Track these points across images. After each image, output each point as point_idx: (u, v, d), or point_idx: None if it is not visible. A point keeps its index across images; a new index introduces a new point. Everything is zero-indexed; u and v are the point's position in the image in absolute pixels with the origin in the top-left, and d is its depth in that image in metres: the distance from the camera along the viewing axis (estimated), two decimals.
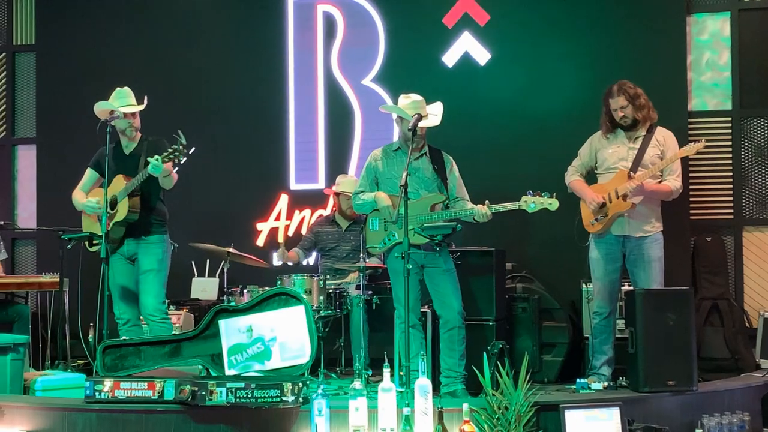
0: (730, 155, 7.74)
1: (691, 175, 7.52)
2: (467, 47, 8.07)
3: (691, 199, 7.62)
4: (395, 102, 6.21)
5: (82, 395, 5.07)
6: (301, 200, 8.36)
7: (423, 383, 4.72)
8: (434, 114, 5.97)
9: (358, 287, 6.80)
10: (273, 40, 8.49)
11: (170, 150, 5.80)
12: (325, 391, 4.82)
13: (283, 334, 5.24)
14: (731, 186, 7.73)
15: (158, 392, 4.94)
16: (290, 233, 8.29)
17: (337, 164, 8.25)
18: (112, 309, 5.84)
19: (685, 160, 6.56)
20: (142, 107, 6.23)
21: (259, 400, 4.75)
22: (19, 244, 9.10)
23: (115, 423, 4.94)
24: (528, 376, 4.78)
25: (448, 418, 4.71)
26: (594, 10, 7.88)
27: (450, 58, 8.11)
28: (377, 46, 8.29)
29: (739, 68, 7.76)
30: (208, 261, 8.12)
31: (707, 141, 6.16)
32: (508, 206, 5.74)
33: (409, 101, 5.93)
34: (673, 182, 6.04)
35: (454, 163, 6.13)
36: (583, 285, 6.83)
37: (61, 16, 8.93)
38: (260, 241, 8.33)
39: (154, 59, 8.59)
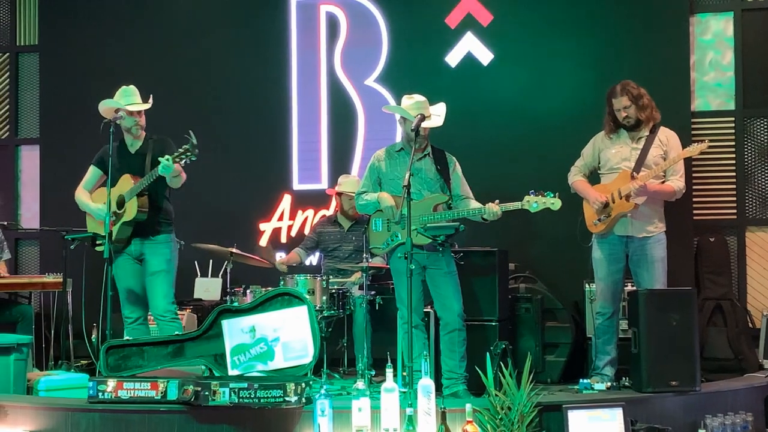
0: (734, 155, 7.74)
1: (694, 175, 7.52)
2: (470, 47, 8.08)
3: (694, 199, 7.61)
4: (398, 102, 6.21)
5: (86, 395, 5.07)
6: (304, 200, 8.36)
7: (426, 383, 4.72)
8: (437, 114, 5.97)
9: (361, 287, 6.80)
10: (276, 41, 8.49)
11: (181, 150, 5.79)
12: (328, 391, 4.82)
13: (286, 335, 5.24)
14: (734, 186, 7.73)
15: (161, 392, 4.94)
16: (293, 233, 8.29)
17: (340, 164, 8.25)
18: (115, 309, 5.82)
19: (688, 161, 6.55)
20: (148, 106, 6.21)
21: (262, 401, 4.75)
22: (23, 244, 9.10)
23: (118, 423, 4.94)
24: (531, 376, 4.78)
25: (451, 419, 4.71)
26: (597, 10, 7.88)
27: (453, 58, 8.11)
28: (380, 47, 8.29)
29: (743, 68, 7.76)
30: (211, 261, 8.13)
31: (710, 141, 6.14)
32: (511, 206, 5.74)
33: (412, 102, 5.93)
34: (676, 182, 6.03)
35: (457, 163, 6.12)
36: (586, 285, 6.82)
37: (64, 17, 8.93)
38: (263, 242, 8.33)
39: (156, 59, 8.59)
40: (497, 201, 5.77)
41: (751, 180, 7.73)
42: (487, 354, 5.19)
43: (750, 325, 7.39)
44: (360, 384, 4.91)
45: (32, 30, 9.13)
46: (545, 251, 7.68)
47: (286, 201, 8.37)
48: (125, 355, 5.37)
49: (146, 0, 8.81)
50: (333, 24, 8.43)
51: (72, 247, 7.12)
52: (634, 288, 6.03)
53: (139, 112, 6.18)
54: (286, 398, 4.75)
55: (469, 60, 8.09)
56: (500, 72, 8.02)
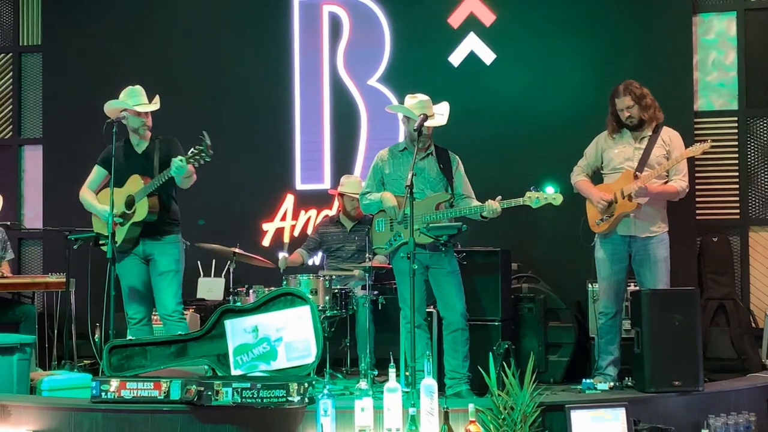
0: (737, 155, 7.74)
1: (697, 175, 7.52)
2: (473, 47, 8.08)
3: (697, 199, 7.62)
4: (400, 102, 6.20)
5: (89, 395, 5.07)
6: (307, 200, 8.37)
7: (428, 383, 4.72)
8: (441, 114, 5.97)
9: (363, 287, 6.80)
10: (278, 40, 8.50)
11: (195, 150, 5.78)
12: (331, 391, 4.82)
13: (289, 334, 5.24)
14: (737, 186, 7.73)
15: (164, 392, 4.95)
16: (296, 233, 8.30)
17: (342, 164, 8.26)
18: (118, 308, 5.83)
19: (691, 160, 6.55)
20: (156, 107, 6.20)
21: (264, 400, 4.75)
22: (26, 244, 9.12)
23: (121, 423, 4.94)
24: (534, 376, 4.78)
25: (454, 419, 4.70)
26: (599, 10, 7.88)
27: (455, 58, 8.12)
28: (383, 47, 8.30)
29: (746, 68, 7.76)
30: (213, 261, 8.14)
31: (713, 141, 6.14)
32: (513, 202, 5.74)
33: (415, 101, 5.93)
34: (679, 182, 6.03)
35: (460, 161, 6.12)
36: (589, 285, 6.83)
37: (68, 17, 8.95)
38: (266, 241, 8.34)
39: (159, 59, 8.60)
40: (498, 198, 5.76)
41: (754, 180, 7.73)
42: (490, 354, 5.18)
43: (753, 325, 7.38)
44: (363, 384, 4.90)
45: (35, 30, 9.14)
46: (548, 251, 7.69)
47: (289, 201, 8.38)
48: (128, 355, 5.37)
49: (149, 0, 8.82)
50: (335, 24, 8.44)
51: (75, 247, 7.14)
52: (637, 288, 6.03)
53: (146, 113, 6.18)
54: (289, 398, 4.75)
55: (472, 60, 8.09)
56: (503, 71, 8.03)
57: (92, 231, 6.43)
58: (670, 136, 6.10)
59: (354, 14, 8.41)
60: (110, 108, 6.16)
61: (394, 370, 4.82)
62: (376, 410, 4.79)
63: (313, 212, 8.34)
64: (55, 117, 8.92)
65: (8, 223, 8.02)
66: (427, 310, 6.14)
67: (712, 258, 7.56)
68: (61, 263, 7.60)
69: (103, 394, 5.00)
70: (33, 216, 9.00)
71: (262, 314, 5.32)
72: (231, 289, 6.97)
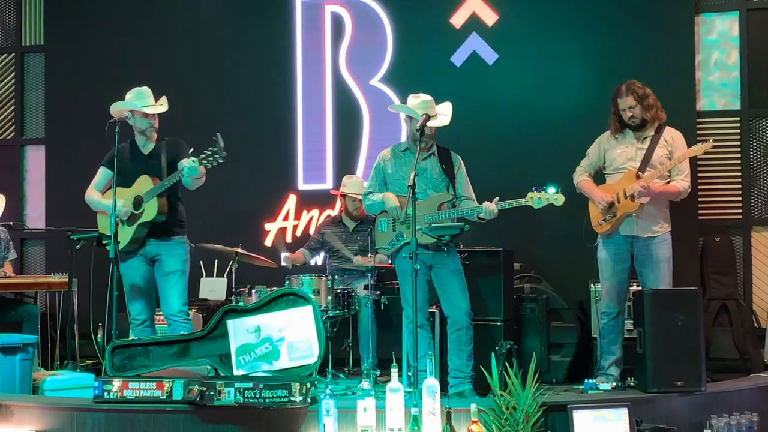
0: (739, 155, 7.73)
1: (699, 175, 7.52)
2: (475, 47, 8.08)
3: (699, 199, 7.61)
4: (403, 102, 6.20)
5: (91, 395, 5.07)
6: (309, 200, 8.38)
7: (431, 383, 4.72)
8: (443, 114, 5.97)
9: (366, 287, 6.80)
10: (281, 41, 8.50)
11: (209, 152, 5.77)
12: (333, 391, 4.82)
13: (292, 335, 5.24)
14: (740, 186, 7.72)
15: (167, 392, 4.95)
16: (298, 233, 8.31)
17: (345, 164, 8.26)
18: (121, 309, 5.83)
19: (693, 160, 6.55)
20: (165, 108, 6.17)
21: (267, 400, 4.75)
22: (28, 244, 9.13)
23: (124, 423, 4.94)
24: (536, 376, 4.78)
25: (456, 419, 4.70)
26: (602, 10, 7.88)
27: (458, 58, 8.11)
28: (385, 47, 8.30)
29: (748, 68, 7.76)
30: (216, 261, 8.13)
31: (716, 141, 6.14)
32: (515, 203, 5.74)
33: (418, 101, 5.93)
34: (682, 182, 6.02)
35: (462, 162, 6.12)
36: (592, 285, 6.83)
37: (70, 17, 8.96)
38: (268, 241, 8.35)
39: (161, 59, 8.60)
40: (496, 199, 5.76)
41: (757, 180, 7.73)
42: (492, 354, 5.19)
43: (755, 325, 7.39)
44: (365, 384, 4.90)
45: (38, 30, 9.15)
46: (550, 251, 7.69)
47: (292, 201, 8.39)
48: (131, 355, 5.38)
49: (152, 1, 8.82)
50: (338, 24, 8.44)
51: (77, 247, 7.15)
52: (640, 288, 6.03)
53: (153, 114, 6.16)
54: (291, 398, 4.75)
55: (475, 60, 8.10)
56: (505, 72, 8.03)
57: (95, 231, 6.42)
58: (672, 136, 6.10)
59: (356, 14, 8.41)
60: (117, 109, 6.14)
61: (397, 370, 4.82)
62: (379, 410, 4.79)
63: (315, 212, 8.34)
64: (58, 117, 8.93)
65: (11, 223, 8.02)
66: (430, 310, 6.13)
67: (714, 258, 7.56)
68: (64, 263, 7.60)
69: (105, 394, 5.00)
70: (36, 216, 9.01)
71: (264, 314, 5.32)
72: (233, 289, 6.98)
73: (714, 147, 6.01)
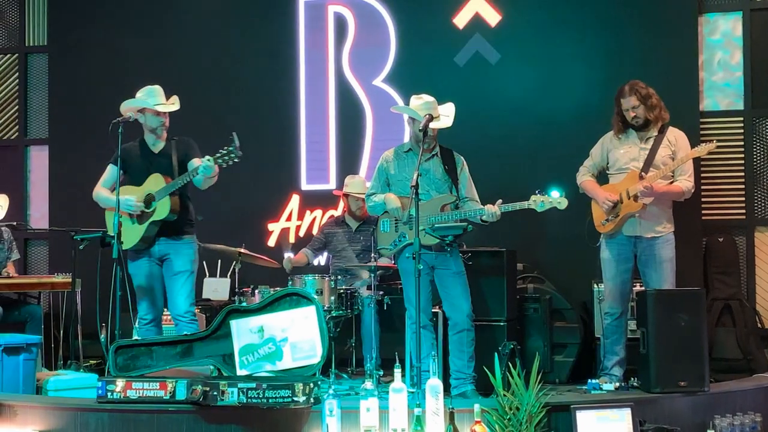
0: (742, 155, 7.73)
1: (702, 175, 7.51)
2: (478, 47, 8.07)
3: (702, 199, 7.61)
4: (406, 103, 6.20)
5: (95, 395, 5.07)
6: (312, 201, 8.37)
7: (434, 383, 4.72)
8: (446, 115, 5.96)
9: (369, 288, 6.80)
10: (284, 41, 8.50)
11: (224, 151, 5.77)
12: (336, 391, 4.83)
13: (295, 335, 5.24)
14: (743, 186, 7.72)
15: (170, 392, 4.95)
16: (301, 234, 8.31)
17: (348, 165, 8.26)
18: (124, 309, 5.82)
19: (696, 161, 6.54)
20: (177, 107, 6.16)
21: (270, 401, 4.75)
22: (32, 244, 9.14)
23: (127, 423, 4.95)
24: (539, 376, 4.78)
25: (459, 419, 4.70)
26: (605, 10, 7.88)
27: (461, 58, 8.11)
28: (388, 47, 8.30)
29: (751, 68, 7.75)
30: (219, 261, 8.13)
31: (719, 141, 6.16)
32: (518, 205, 5.73)
33: (420, 102, 5.92)
34: (685, 183, 6.02)
35: (465, 163, 6.12)
36: (595, 285, 6.82)
37: (73, 18, 8.96)
38: (271, 242, 8.35)
39: (165, 60, 8.60)
40: (499, 201, 5.76)
41: (760, 180, 7.72)
42: (496, 354, 5.18)
43: (759, 325, 7.39)
44: (368, 384, 4.91)
45: (41, 31, 9.16)
46: (553, 251, 7.68)
47: (295, 201, 8.39)
48: (134, 355, 5.37)
49: (154, 1, 8.83)
50: (341, 24, 8.44)
51: (81, 247, 7.14)
52: (643, 288, 6.02)
53: (165, 113, 6.15)
54: (295, 398, 4.75)
55: (478, 60, 8.09)
56: (508, 72, 8.02)
57: (98, 231, 6.42)
58: (675, 136, 6.10)
59: (359, 14, 8.41)
60: (128, 107, 6.11)
61: (400, 370, 4.82)
62: (382, 410, 4.79)
63: (318, 212, 8.34)
64: (61, 117, 8.94)
65: (14, 223, 8.03)
66: (433, 310, 6.13)
67: (717, 258, 7.55)
68: (67, 263, 7.61)
69: (108, 394, 5.00)
70: (39, 216, 9.02)
71: (267, 314, 5.32)
72: (236, 290, 6.98)
73: (717, 147, 6.02)
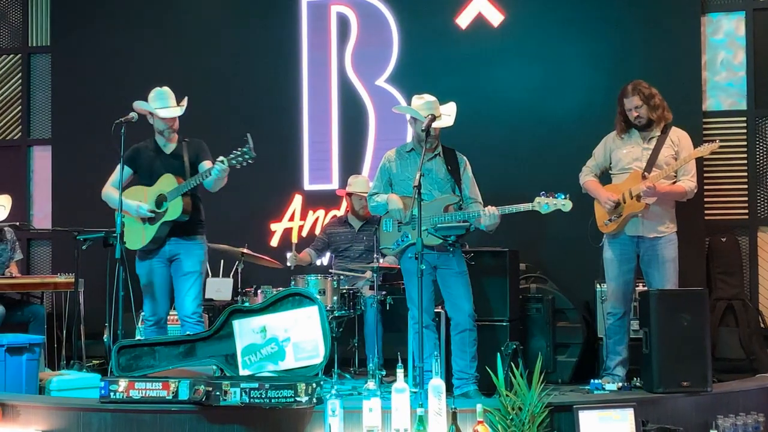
0: (745, 155, 7.72)
1: (705, 175, 7.50)
2: (481, 48, 8.07)
3: (705, 199, 7.60)
4: (409, 102, 6.20)
5: (97, 395, 5.08)
6: (315, 201, 8.37)
7: (436, 383, 4.72)
8: (447, 114, 5.96)
9: (371, 288, 6.80)
10: (286, 41, 8.50)
11: (238, 152, 5.77)
12: (339, 391, 4.84)
13: (297, 335, 5.24)
14: (746, 186, 7.71)
15: (173, 392, 4.95)
16: (304, 234, 8.30)
17: (350, 165, 8.26)
18: (127, 309, 5.82)
19: (699, 161, 6.53)
20: (180, 112, 6.15)
21: (272, 401, 4.75)
22: (35, 244, 9.14)
23: (130, 423, 4.95)
24: (542, 376, 4.78)
25: (462, 419, 4.70)
26: (608, 10, 7.87)
27: (463, 58, 8.10)
28: (391, 47, 8.30)
29: (754, 68, 7.74)
30: (222, 261, 8.13)
31: (722, 141, 6.14)
32: (522, 207, 5.73)
33: (422, 102, 5.92)
34: (688, 183, 6.02)
35: (468, 163, 6.11)
36: (597, 285, 6.82)
37: (77, 18, 8.96)
38: (274, 242, 8.35)
39: (167, 60, 8.61)
40: (490, 207, 5.78)
41: (763, 180, 7.71)
42: (498, 354, 5.19)
43: (762, 325, 7.37)
44: (371, 384, 4.91)
45: (44, 31, 9.16)
46: (556, 251, 7.68)
47: (297, 201, 8.39)
48: (137, 355, 5.39)
49: (157, 1, 8.84)
50: (344, 24, 8.44)
51: (84, 247, 7.15)
52: (646, 288, 6.02)
53: (171, 117, 6.16)
54: (297, 398, 4.75)
55: (481, 61, 8.08)
56: (511, 72, 8.01)
57: (101, 231, 6.43)
58: (678, 136, 6.10)
59: (362, 14, 8.41)
60: (139, 108, 6.12)
61: (402, 370, 4.82)
62: (384, 410, 4.79)
63: (321, 213, 8.34)
64: (64, 118, 8.95)
65: (17, 223, 8.03)
66: (435, 310, 6.13)
67: (720, 258, 7.55)
68: (70, 263, 7.62)
69: (111, 394, 5.01)
70: (42, 216, 9.03)
71: (270, 314, 5.33)
72: (239, 290, 6.99)
73: (720, 147, 6.01)
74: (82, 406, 5.11)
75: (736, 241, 7.63)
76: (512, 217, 5.85)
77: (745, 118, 7.75)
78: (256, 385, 4.79)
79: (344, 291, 6.76)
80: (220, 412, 4.88)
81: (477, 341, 5.91)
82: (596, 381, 5.86)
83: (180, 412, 4.94)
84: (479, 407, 4.68)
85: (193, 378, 5.00)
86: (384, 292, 6.82)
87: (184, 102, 6.21)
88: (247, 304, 6.17)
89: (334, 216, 8.13)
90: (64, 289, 7.78)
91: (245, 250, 7.12)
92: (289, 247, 7.61)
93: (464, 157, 6.12)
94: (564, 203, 5.67)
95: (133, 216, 6.07)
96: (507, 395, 4.75)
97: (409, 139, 6.85)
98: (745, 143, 7.72)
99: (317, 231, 8.12)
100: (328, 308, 6.52)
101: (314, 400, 4.83)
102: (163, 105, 6.11)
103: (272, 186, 8.41)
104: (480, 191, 6.12)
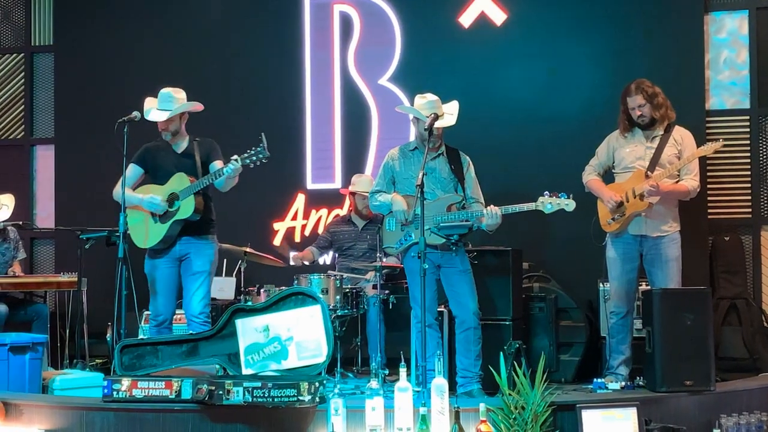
0: (748, 154, 7.71)
1: (709, 174, 7.49)
2: (484, 47, 8.06)
3: (708, 198, 7.59)
4: (412, 102, 6.20)
5: (100, 394, 5.08)
6: (318, 200, 8.38)
7: (439, 383, 4.72)
8: (450, 113, 5.96)
9: (374, 287, 6.80)
10: (289, 40, 8.50)
11: (252, 152, 5.77)
12: (342, 390, 4.83)
13: (300, 334, 5.24)
14: (749, 185, 7.70)
15: (175, 391, 4.95)
16: (307, 233, 8.31)
17: (353, 164, 8.26)
18: (129, 308, 5.83)
19: (702, 160, 6.53)
20: (164, 117, 6.10)
21: (275, 400, 4.76)
22: (38, 243, 9.15)
23: (133, 422, 4.96)
24: (545, 375, 4.77)
25: (465, 418, 4.70)
26: (611, 9, 7.86)
27: (466, 57, 8.09)
28: (393, 46, 8.29)
29: (758, 67, 7.73)
30: (225, 260, 8.11)
31: (725, 140, 6.13)
32: (525, 207, 5.72)
33: (424, 101, 5.92)
34: (691, 182, 6.01)
35: (471, 163, 6.11)
36: (600, 284, 6.81)
37: (79, 17, 8.97)
38: (277, 241, 8.35)
39: (170, 59, 8.61)
40: (491, 206, 5.77)
41: (766, 179, 7.70)
42: (501, 353, 5.18)
43: (765, 324, 7.36)
44: (373, 383, 4.90)
45: (47, 30, 9.17)
46: (559, 250, 7.67)
47: (300, 200, 8.39)
48: (140, 354, 5.39)
49: (160, 1, 8.84)
50: (346, 23, 8.44)
51: (87, 246, 7.16)
52: (649, 287, 6.01)
53: (164, 121, 6.12)
54: (300, 397, 4.75)
55: (484, 60, 8.07)
56: (514, 71, 8.01)
57: (104, 230, 6.42)
58: (681, 135, 6.09)
59: (365, 14, 8.40)
60: (147, 107, 6.14)
61: (405, 369, 4.82)
62: (387, 409, 4.79)
63: (323, 212, 8.34)
64: (67, 117, 8.95)
65: (20, 222, 8.04)
66: (438, 309, 6.13)
67: (723, 257, 7.54)
68: (73, 263, 7.62)
69: (114, 393, 5.01)
70: (45, 215, 9.03)
71: (273, 313, 5.32)
72: (242, 289, 6.99)
73: (723, 146, 6.00)
74: (85, 405, 5.12)
75: (739, 240, 7.63)
76: (515, 216, 5.84)
77: (748, 117, 7.74)
78: (259, 384, 4.79)
79: (347, 290, 6.76)
80: (223, 411, 4.88)
81: (481, 339, 5.91)
82: (599, 380, 5.85)
83: (183, 411, 4.94)
84: (482, 406, 4.67)
85: (196, 377, 5.00)
86: (387, 291, 6.83)
87: (179, 104, 6.15)
88: (250, 303, 6.16)
89: (338, 215, 8.13)
90: (67, 288, 7.78)
91: (248, 249, 7.13)
92: (292, 247, 7.63)
93: (467, 158, 6.12)
94: (567, 203, 5.66)
95: (144, 209, 6.06)
96: (510, 394, 4.75)
97: (412, 138, 6.85)
98: (748, 142, 7.72)
99: (320, 230, 8.13)
100: (330, 307, 6.52)
101: (317, 399, 4.83)
102: (164, 107, 6.12)
103: (275, 185, 8.40)
104: (483, 190, 6.11)
